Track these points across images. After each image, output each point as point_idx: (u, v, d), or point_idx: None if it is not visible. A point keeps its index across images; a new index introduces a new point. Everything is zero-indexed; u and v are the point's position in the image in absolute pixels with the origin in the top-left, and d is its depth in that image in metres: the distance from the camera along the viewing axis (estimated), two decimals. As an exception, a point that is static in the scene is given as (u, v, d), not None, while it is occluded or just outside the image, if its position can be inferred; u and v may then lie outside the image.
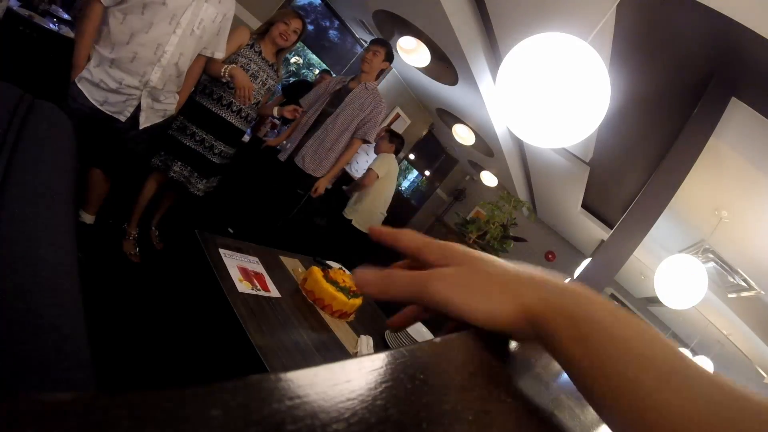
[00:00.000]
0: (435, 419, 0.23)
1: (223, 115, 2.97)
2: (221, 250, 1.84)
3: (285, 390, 0.18)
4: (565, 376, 0.34)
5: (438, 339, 0.33)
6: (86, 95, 2.38)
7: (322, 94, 3.54)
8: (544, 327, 0.36)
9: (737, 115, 2.50)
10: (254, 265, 1.94)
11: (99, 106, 2.42)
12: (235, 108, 2.98)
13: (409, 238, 0.46)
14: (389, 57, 3.48)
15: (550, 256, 10.18)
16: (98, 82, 2.38)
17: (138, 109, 2.52)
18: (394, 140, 4.65)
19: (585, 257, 8.21)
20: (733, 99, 2.45)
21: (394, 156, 4.65)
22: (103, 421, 0.13)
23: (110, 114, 2.46)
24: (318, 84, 6.08)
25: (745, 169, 2.78)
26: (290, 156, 3.39)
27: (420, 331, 2.31)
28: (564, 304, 0.36)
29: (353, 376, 0.23)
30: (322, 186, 3.36)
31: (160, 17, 2.35)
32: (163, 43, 2.40)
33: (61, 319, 0.61)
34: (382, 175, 4.40)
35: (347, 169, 3.87)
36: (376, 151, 4.58)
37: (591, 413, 0.33)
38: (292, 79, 6.84)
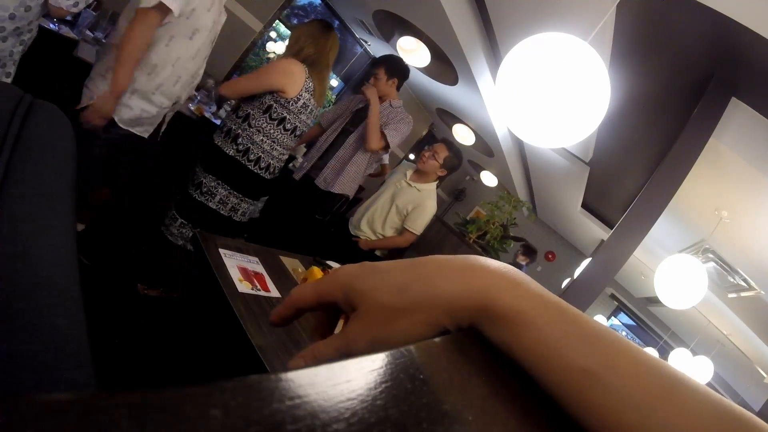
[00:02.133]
0: (435, 419, 0.22)
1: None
2: (221, 250, 1.83)
3: (285, 390, 0.18)
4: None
5: (438, 339, 0.33)
6: (121, 125, 2.26)
7: (343, 113, 3.34)
8: (462, 324, 0.36)
9: (737, 115, 2.51)
10: (254, 265, 1.94)
11: (131, 129, 2.31)
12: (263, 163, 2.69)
13: (299, 298, 0.46)
14: (392, 72, 3.25)
15: (550, 256, 10.20)
16: (140, 113, 2.25)
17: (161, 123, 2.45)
18: (449, 161, 3.44)
19: (585, 257, 8.22)
20: (734, 99, 2.45)
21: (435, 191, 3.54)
22: (103, 421, 0.13)
23: (138, 134, 2.36)
24: None
25: (745, 170, 2.78)
26: (306, 175, 3.25)
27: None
28: (465, 306, 0.35)
29: (353, 376, 0.23)
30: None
31: (203, 40, 2.28)
32: (201, 66, 2.35)
33: (60, 319, 0.61)
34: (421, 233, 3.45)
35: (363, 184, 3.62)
36: (423, 169, 3.42)
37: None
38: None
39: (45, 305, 0.59)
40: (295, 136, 2.71)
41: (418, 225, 3.35)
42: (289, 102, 2.55)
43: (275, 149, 2.65)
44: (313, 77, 2.62)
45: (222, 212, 2.64)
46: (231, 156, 2.55)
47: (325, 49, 2.63)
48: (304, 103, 2.61)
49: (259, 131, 2.55)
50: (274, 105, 2.54)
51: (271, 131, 2.58)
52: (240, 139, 2.54)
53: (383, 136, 3.14)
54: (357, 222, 3.45)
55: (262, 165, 2.63)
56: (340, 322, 0.44)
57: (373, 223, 3.43)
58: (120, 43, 2.04)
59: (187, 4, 2.08)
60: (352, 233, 3.45)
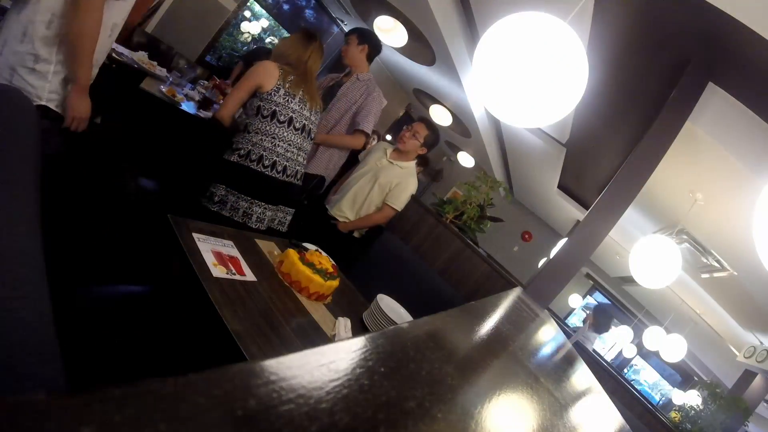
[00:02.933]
0: (395, 418, 0.21)
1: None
2: (195, 235, 1.80)
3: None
4: (541, 355, 0.33)
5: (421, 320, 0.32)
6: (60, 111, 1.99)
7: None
8: None
9: (714, 99, 2.53)
10: (229, 248, 1.90)
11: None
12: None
13: None
14: (363, 39, 3.39)
15: (526, 236, 10.31)
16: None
17: None
18: (429, 139, 3.48)
19: (561, 237, 8.30)
20: (710, 84, 2.47)
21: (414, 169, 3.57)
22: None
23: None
24: None
25: (720, 153, 2.81)
26: None
27: (399, 312, 2.30)
28: None
29: (335, 358, 0.21)
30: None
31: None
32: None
33: (25, 311, 0.59)
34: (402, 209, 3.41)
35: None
36: (404, 149, 3.44)
37: (567, 392, 0.32)
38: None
39: (8, 297, 0.57)
40: (296, 129, 2.68)
41: (401, 201, 3.36)
42: (270, 94, 2.54)
43: (278, 146, 2.62)
44: (293, 80, 2.62)
45: (235, 219, 2.60)
46: (234, 162, 2.56)
47: (303, 56, 2.68)
48: (285, 92, 2.58)
49: (257, 132, 2.56)
50: (261, 103, 2.55)
51: (268, 128, 2.58)
52: (240, 145, 2.56)
53: (358, 133, 3.33)
54: (337, 203, 3.41)
55: (266, 163, 2.60)
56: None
57: (356, 202, 3.40)
58: (70, 38, 1.80)
59: None
60: (332, 215, 3.42)
